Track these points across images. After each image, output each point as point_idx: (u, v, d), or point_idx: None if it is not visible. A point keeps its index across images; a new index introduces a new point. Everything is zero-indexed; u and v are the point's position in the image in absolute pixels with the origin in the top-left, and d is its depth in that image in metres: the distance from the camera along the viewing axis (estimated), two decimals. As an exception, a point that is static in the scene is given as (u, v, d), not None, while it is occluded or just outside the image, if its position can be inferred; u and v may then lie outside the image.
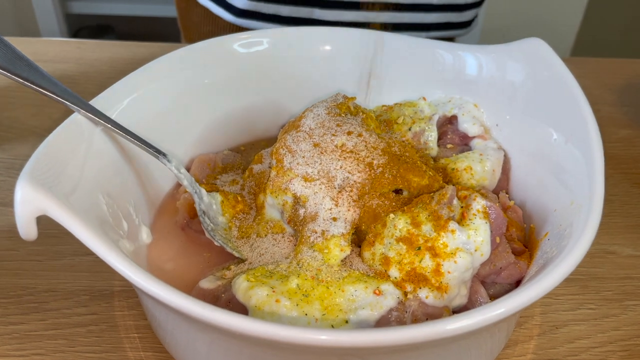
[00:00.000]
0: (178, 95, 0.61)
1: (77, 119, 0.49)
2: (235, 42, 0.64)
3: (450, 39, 1.05)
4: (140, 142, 0.53)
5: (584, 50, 2.36)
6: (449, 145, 0.63)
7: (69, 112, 0.50)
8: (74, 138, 0.48)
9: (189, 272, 0.54)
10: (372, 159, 0.53)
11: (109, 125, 0.51)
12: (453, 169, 0.58)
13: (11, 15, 2.45)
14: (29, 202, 0.38)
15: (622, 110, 0.90)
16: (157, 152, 0.54)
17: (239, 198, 0.58)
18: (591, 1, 2.25)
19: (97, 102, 0.52)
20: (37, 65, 0.51)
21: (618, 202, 0.72)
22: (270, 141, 0.70)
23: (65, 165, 0.45)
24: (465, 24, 1.10)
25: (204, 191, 0.56)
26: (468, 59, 0.63)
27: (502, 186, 0.60)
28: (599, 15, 2.31)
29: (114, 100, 0.54)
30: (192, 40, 1.16)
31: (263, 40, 0.65)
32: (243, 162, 0.66)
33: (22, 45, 0.98)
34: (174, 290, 0.37)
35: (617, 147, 0.82)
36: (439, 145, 0.63)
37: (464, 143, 0.63)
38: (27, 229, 0.39)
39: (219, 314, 0.36)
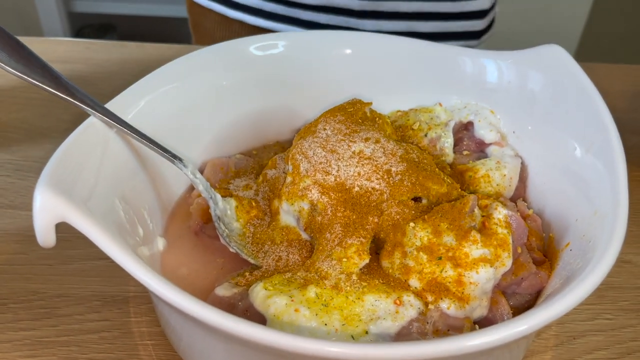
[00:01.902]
0: (193, 98, 0.60)
1: (94, 123, 0.49)
2: (251, 45, 0.64)
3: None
4: (157, 147, 0.52)
5: (587, 56, 2.36)
6: (465, 152, 0.62)
7: (79, 114, 0.49)
8: (90, 142, 0.47)
9: (202, 278, 0.54)
10: (391, 166, 0.52)
11: (125, 129, 0.50)
12: (470, 176, 0.58)
13: (14, 14, 2.44)
14: (49, 210, 0.37)
15: (633, 116, 0.89)
16: (173, 157, 0.53)
17: (254, 203, 0.57)
18: (595, 7, 2.25)
19: (112, 105, 0.51)
20: (52, 66, 0.50)
21: (632, 210, 0.70)
22: (282, 145, 0.69)
23: (82, 170, 0.45)
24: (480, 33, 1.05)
25: (219, 196, 0.55)
26: (486, 65, 0.63)
27: (519, 194, 0.59)
28: (602, 21, 2.31)
29: (129, 103, 0.53)
30: (204, 45, 1.14)
31: (279, 43, 0.65)
32: (256, 167, 0.65)
33: (30, 45, 0.97)
34: (195, 300, 0.36)
35: (629, 154, 0.80)
36: (454, 152, 0.62)
37: (480, 150, 0.63)
38: (45, 237, 0.38)
39: (240, 324, 0.35)
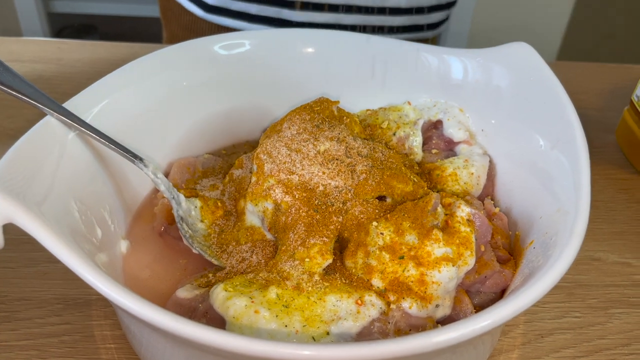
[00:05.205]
0: (157, 98, 0.59)
1: (50, 123, 0.48)
2: (216, 44, 0.63)
3: (423, 41, 1.07)
4: (116, 147, 0.51)
5: (569, 55, 2.38)
6: (434, 151, 0.62)
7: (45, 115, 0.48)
8: (46, 142, 0.46)
9: (165, 279, 0.53)
10: (355, 165, 0.52)
11: (83, 129, 0.49)
12: (438, 174, 0.57)
13: (-8, 14, 2.41)
14: (-5, 210, 0.36)
15: (607, 115, 0.89)
16: (134, 157, 0.52)
17: (219, 204, 0.57)
18: (577, 6, 2.26)
19: (71, 105, 0.50)
20: (8, 65, 0.49)
21: (603, 208, 0.71)
22: (252, 145, 0.68)
23: (36, 171, 0.44)
24: (433, 26, 1.13)
25: (182, 197, 0.54)
26: (453, 63, 0.62)
27: (487, 192, 0.59)
28: (584, 21, 2.32)
29: (89, 103, 0.52)
30: (173, 31, 1.18)
31: (245, 42, 0.64)
32: (224, 167, 0.64)
33: (2, 44, 0.95)
34: (147, 303, 0.35)
35: (602, 152, 0.82)
36: (423, 151, 0.62)
37: (449, 148, 0.62)
38: (-8, 238, 0.37)
39: (194, 328, 0.34)
